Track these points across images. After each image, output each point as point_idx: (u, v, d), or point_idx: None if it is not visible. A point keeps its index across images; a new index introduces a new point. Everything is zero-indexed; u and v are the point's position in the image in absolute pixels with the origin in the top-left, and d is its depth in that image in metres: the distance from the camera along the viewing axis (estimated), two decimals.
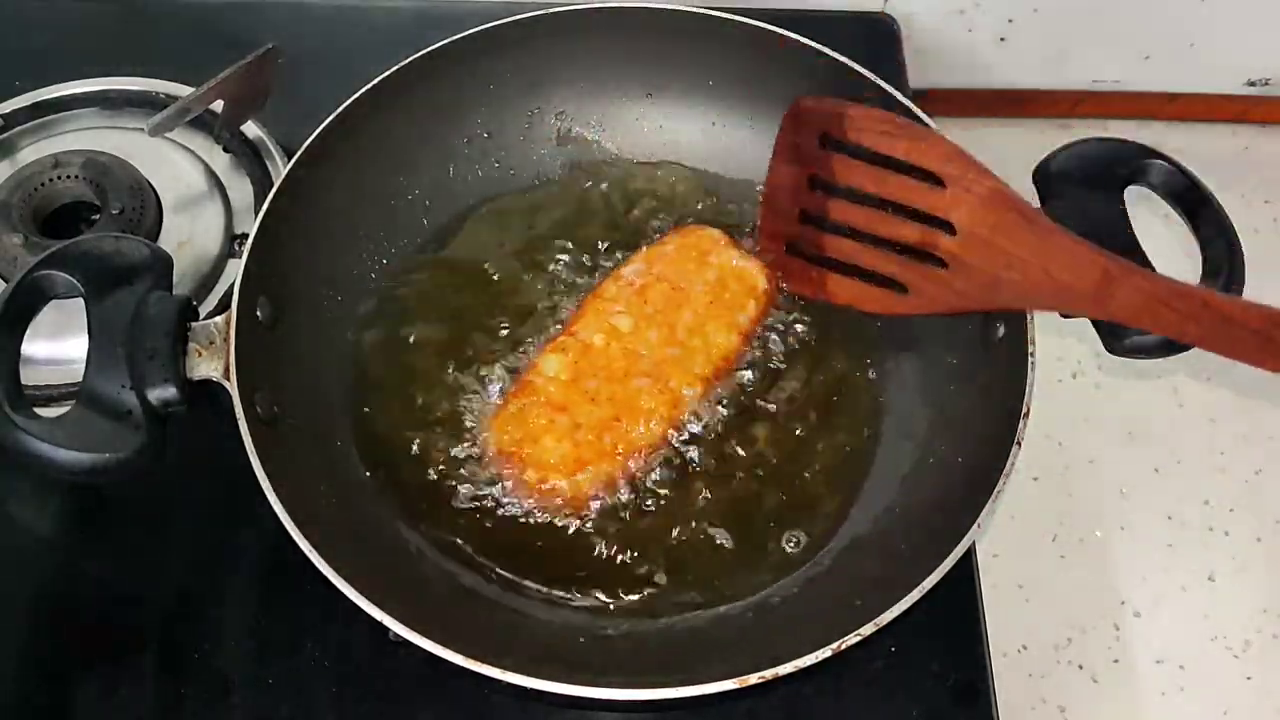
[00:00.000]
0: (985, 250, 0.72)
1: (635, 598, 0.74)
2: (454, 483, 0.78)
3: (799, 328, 0.84)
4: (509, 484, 0.77)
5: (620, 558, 0.75)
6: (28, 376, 0.71)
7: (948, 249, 0.73)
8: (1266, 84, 1.08)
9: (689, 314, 0.81)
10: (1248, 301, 0.64)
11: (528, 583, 0.75)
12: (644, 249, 0.86)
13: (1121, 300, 0.66)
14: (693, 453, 0.78)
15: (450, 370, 0.82)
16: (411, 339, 0.83)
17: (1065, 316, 0.72)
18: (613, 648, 0.72)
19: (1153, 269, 0.75)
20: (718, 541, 0.76)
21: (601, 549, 0.75)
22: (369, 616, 0.64)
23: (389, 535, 0.76)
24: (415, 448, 0.79)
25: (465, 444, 0.79)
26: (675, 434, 0.79)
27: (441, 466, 0.78)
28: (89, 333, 0.70)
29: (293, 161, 0.80)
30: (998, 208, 0.71)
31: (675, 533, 0.76)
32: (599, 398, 0.78)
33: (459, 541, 0.76)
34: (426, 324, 0.84)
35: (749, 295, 0.83)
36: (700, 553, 0.76)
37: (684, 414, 0.79)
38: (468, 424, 0.80)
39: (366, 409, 0.81)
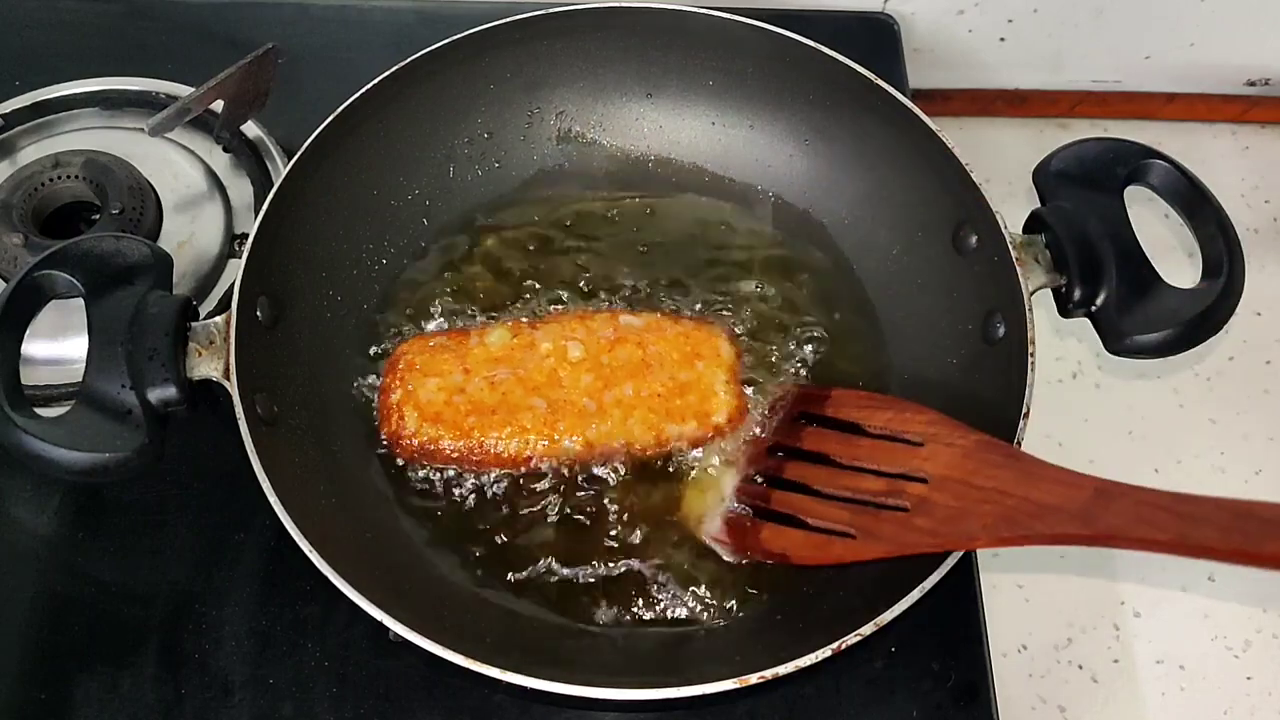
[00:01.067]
0: (958, 490, 0.68)
1: (634, 599, 0.75)
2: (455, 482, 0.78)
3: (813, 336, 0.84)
4: (381, 383, 0.79)
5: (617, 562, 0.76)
6: (28, 376, 0.71)
7: (915, 493, 0.70)
8: (1266, 84, 1.08)
9: (630, 388, 0.79)
10: (1266, 503, 0.57)
11: (528, 585, 0.75)
12: (660, 315, 0.83)
13: (1117, 512, 0.61)
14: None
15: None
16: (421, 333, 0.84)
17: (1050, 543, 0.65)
18: (613, 647, 0.72)
19: (1153, 269, 0.75)
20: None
21: (601, 548, 0.76)
22: (369, 616, 0.64)
23: (389, 535, 0.76)
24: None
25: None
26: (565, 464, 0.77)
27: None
28: (89, 333, 0.70)
29: (293, 161, 0.80)
30: (982, 454, 0.68)
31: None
32: (497, 385, 0.78)
33: (459, 541, 0.76)
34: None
35: (698, 418, 0.78)
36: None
37: (557, 455, 0.77)
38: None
39: (367, 408, 0.81)
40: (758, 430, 0.79)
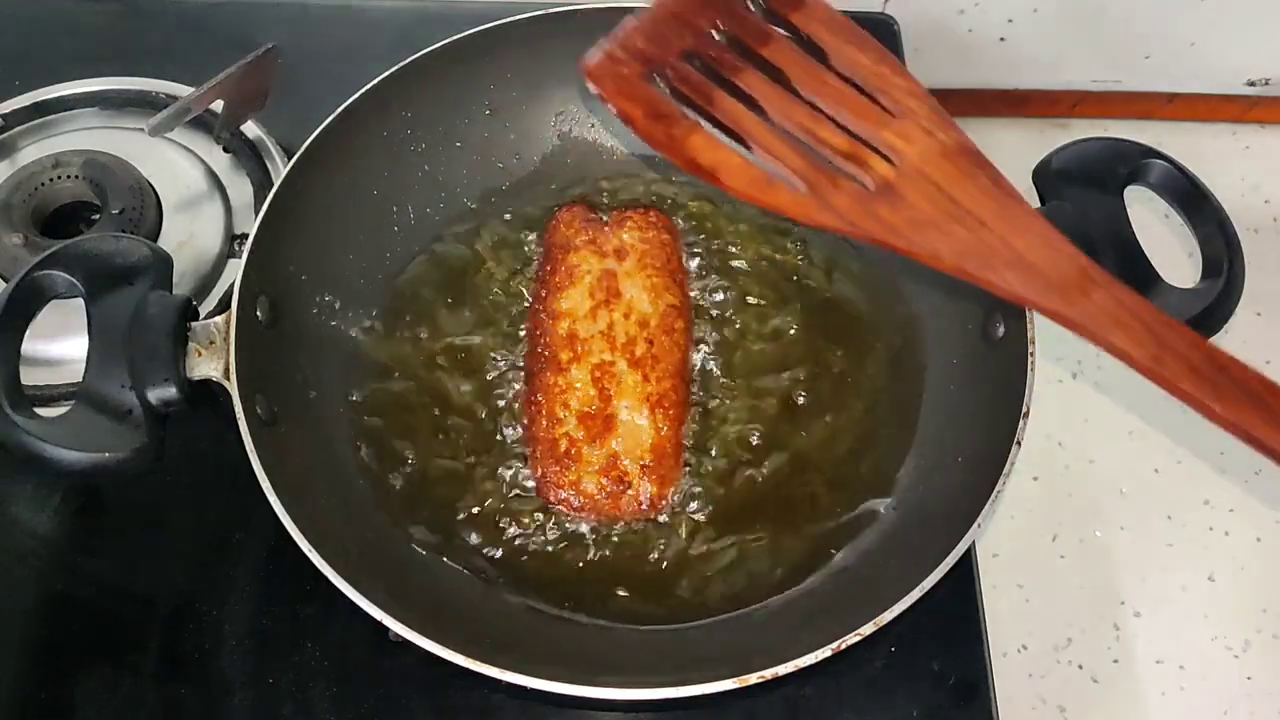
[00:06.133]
0: (932, 193, 0.59)
1: (636, 603, 0.75)
2: (454, 481, 0.78)
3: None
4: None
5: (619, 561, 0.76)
6: (28, 376, 0.71)
7: (881, 174, 0.59)
8: (1266, 84, 1.08)
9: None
10: (1243, 363, 0.55)
11: (528, 585, 0.75)
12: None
13: (1097, 303, 0.56)
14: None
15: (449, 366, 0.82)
16: (420, 335, 0.84)
17: (1009, 301, 0.59)
18: (614, 647, 0.72)
19: (1153, 269, 0.75)
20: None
21: (604, 552, 0.76)
22: (369, 616, 0.64)
23: (389, 535, 0.76)
24: (413, 452, 0.79)
25: (464, 445, 0.79)
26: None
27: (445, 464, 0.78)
28: (89, 333, 0.70)
29: (293, 161, 0.80)
30: (964, 161, 0.59)
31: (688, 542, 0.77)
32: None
33: (459, 541, 0.76)
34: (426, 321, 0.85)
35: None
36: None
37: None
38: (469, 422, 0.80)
39: (366, 409, 0.81)
40: None
